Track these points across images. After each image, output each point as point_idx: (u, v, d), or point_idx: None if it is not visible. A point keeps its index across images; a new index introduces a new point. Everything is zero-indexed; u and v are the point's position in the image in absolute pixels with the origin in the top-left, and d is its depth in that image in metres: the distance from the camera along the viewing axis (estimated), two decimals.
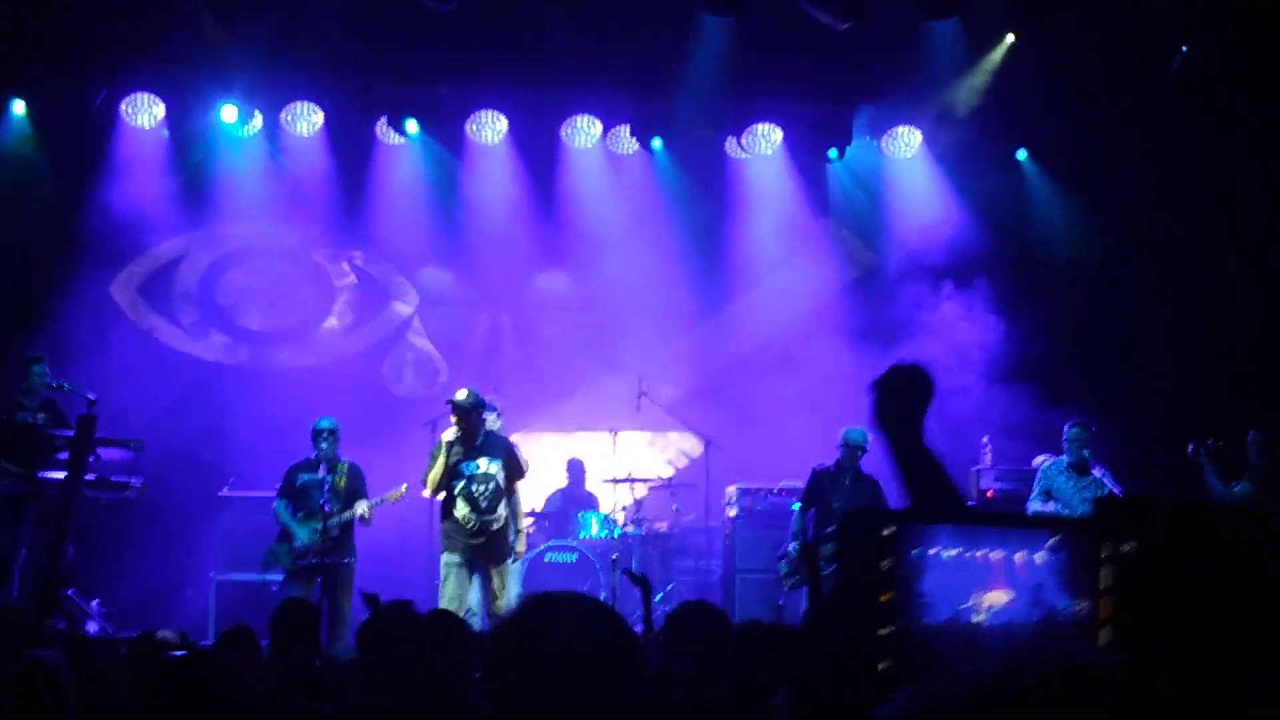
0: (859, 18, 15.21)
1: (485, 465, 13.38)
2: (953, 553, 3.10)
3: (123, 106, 16.91)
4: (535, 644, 2.99)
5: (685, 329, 18.44)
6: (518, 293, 18.44)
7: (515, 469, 13.61)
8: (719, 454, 16.63)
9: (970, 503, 15.72)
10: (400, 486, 14.08)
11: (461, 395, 13.42)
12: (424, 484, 13.42)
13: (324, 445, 13.96)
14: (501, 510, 13.39)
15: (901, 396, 3.49)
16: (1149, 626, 2.99)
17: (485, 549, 13.36)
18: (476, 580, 13.36)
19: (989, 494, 15.86)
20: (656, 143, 17.62)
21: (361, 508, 13.91)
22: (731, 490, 16.06)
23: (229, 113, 16.72)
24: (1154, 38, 15.49)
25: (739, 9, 15.32)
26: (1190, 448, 13.81)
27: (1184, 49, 15.33)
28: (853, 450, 14.00)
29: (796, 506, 14.42)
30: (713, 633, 6.62)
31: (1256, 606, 2.98)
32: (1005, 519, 3.21)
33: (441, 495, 13.44)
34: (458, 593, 13.19)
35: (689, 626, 6.72)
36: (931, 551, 3.09)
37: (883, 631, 3.04)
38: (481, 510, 13.33)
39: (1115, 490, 14.10)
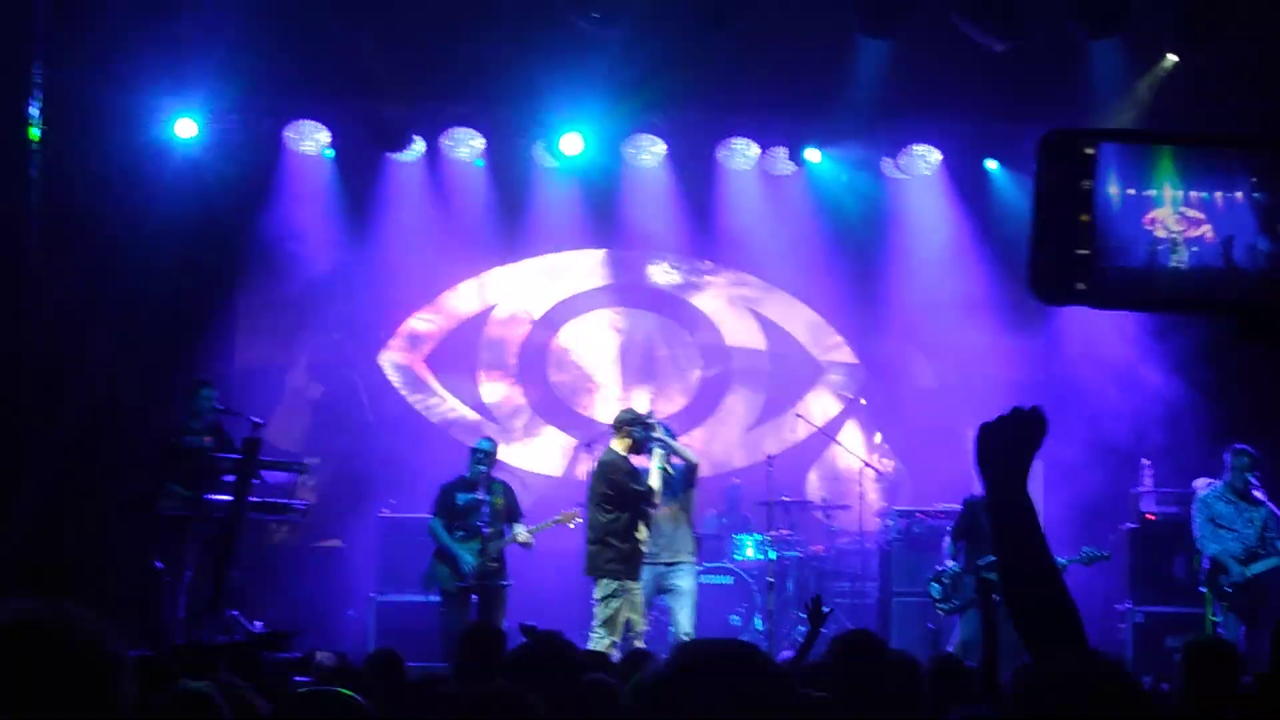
0: (1017, 37, 15.10)
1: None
2: (1149, 192, 3.04)
3: (287, 132, 17.28)
4: (686, 702, 3.06)
5: (839, 350, 18.42)
6: (674, 314, 18.58)
7: None
8: (874, 477, 16.64)
9: (1130, 525, 15.62)
10: (573, 509, 14.16)
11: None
12: (653, 495, 13.31)
13: (482, 466, 14.11)
14: None
15: (1009, 440, 3.48)
16: None
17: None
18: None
19: (1149, 516, 15.68)
20: (815, 155, 17.55)
21: (524, 533, 14.03)
22: (889, 512, 16.03)
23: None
24: None
25: (893, 32, 15.27)
26: None
27: None
28: None
29: (948, 539, 14.38)
30: (873, 665, 6.54)
31: None
32: (1198, 139, 3.03)
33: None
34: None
35: (851, 656, 6.63)
36: (1126, 191, 3.04)
37: (1082, 252, 2.99)
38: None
39: (1279, 516, 13.93)
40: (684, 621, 13.70)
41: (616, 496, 13.23)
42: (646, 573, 13.60)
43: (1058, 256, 3.00)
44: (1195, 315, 3.05)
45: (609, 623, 13.06)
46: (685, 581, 13.88)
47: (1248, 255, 2.99)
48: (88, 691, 2.74)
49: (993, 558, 13.28)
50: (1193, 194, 3.00)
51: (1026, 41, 15.28)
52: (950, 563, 14.17)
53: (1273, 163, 3.01)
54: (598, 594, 13.20)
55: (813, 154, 17.67)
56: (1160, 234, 2.98)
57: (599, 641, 12.78)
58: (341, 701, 4.96)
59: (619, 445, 13.48)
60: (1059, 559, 13.22)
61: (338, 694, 5.04)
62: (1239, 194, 3.00)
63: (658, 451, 13.54)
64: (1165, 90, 16.08)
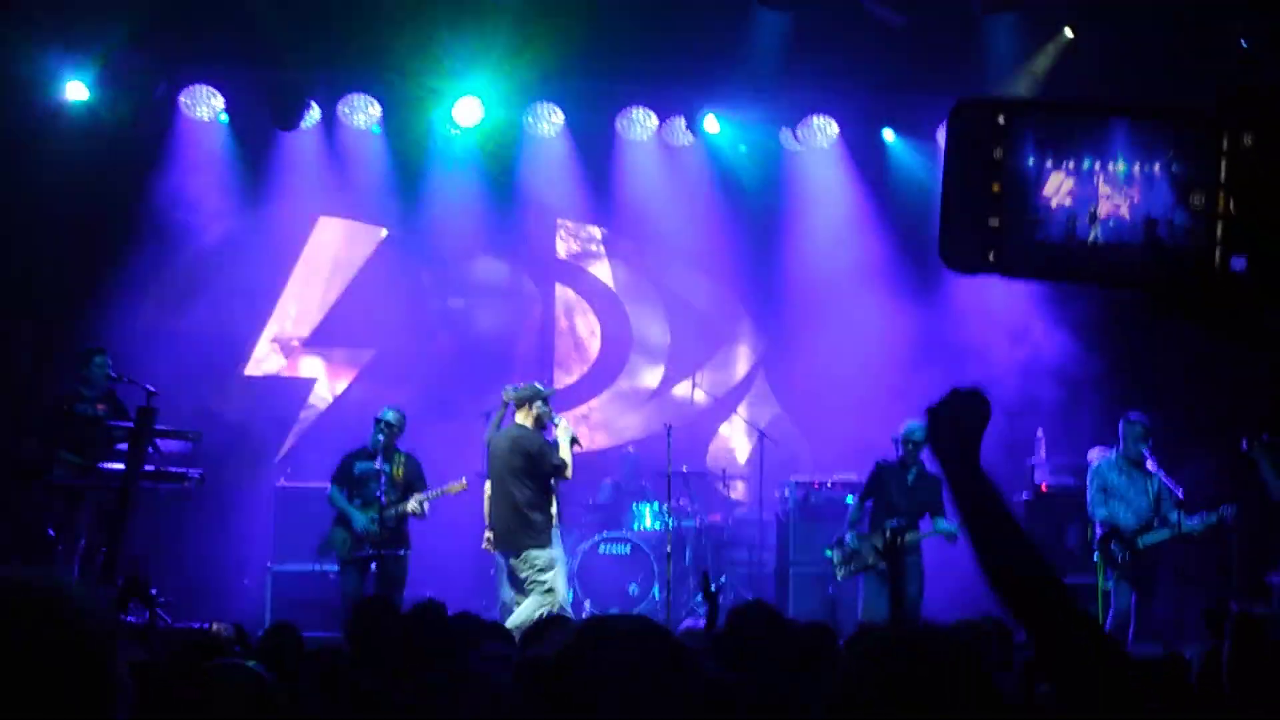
0: (916, 10, 15.23)
1: None
2: (1059, 163, 2.95)
3: (181, 98, 17.06)
4: (590, 677, 3.10)
5: (740, 321, 18.52)
6: (573, 284, 18.57)
7: None
8: (772, 446, 16.74)
9: (1024, 495, 15.83)
10: (461, 479, 14.19)
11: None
12: (567, 468, 13.44)
13: (381, 436, 14.08)
14: None
15: (958, 423, 3.47)
16: (1265, 222, 2.90)
17: None
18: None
19: (1043, 488, 15.88)
20: (713, 125, 17.62)
21: (414, 503, 14.03)
22: (787, 483, 16.14)
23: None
24: (1215, 32, 15.42)
25: (792, 3, 15.35)
26: (1245, 443, 13.78)
27: (1243, 44, 15.25)
28: (915, 445, 14.00)
29: (851, 499, 14.50)
30: (768, 635, 6.59)
31: None
32: (1110, 109, 2.99)
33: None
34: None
35: (747, 628, 6.67)
36: (1036, 162, 2.95)
37: (992, 222, 2.93)
38: None
39: (1171, 486, 14.08)
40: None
41: (535, 470, 13.31)
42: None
43: (968, 226, 2.96)
44: (1109, 289, 3.03)
45: (553, 590, 13.24)
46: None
47: (1165, 229, 2.98)
48: (87, 659, 2.72)
49: (899, 520, 13.46)
50: (1110, 166, 2.98)
51: (923, 15, 15.39)
52: (849, 533, 14.26)
53: (1190, 135, 3.01)
54: (534, 564, 13.28)
55: (711, 124, 17.71)
56: (1073, 206, 2.99)
57: (544, 608, 12.91)
58: (248, 675, 4.94)
59: (525, 419, 13.52)
60: (947, 525, 13.45)
61: (245, 668, 5.02)
62: (1156, 166, 3.01)
63: (563, 424, 13.63)
64: (1062, 64, 16.22)
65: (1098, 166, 2.93)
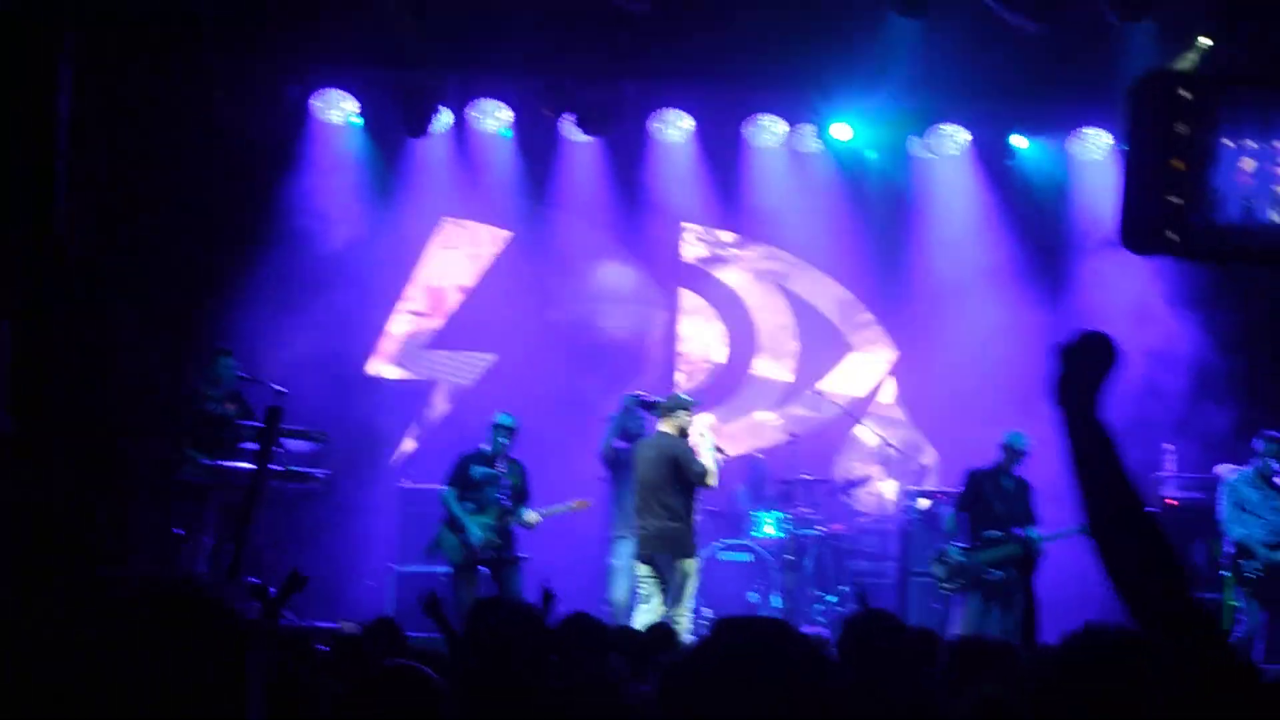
0: (1050, 18, 15.10)
1: None
2: (1247, 143, 2.94)
3: (314, 101, 17.38)
4: (721, 677, 3.09)
5: (867, 329, 18.45)
6: (699, 290, 18.61)
7: None
8: (898, 455, 16.71)
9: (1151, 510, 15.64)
10: (585, 499, 14.32)
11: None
12: (710, 476, 13.66)
13: (503, 440, 14.21)
14: None
15: (1082, 366, 3.31)
16: None
17: None
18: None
19: (1171, 502, 15.73)
20: (843, 131, 17.57)
21: (533, 515, 14.17)
22: (909, 492, 16.11)
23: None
24: None
25: (924, 11, 15.28)
26: None
27: None
28: (1014, 454, 14.08)
29: (951, 511, 14.54)
30: (887, 642, 6.55)
31: None
32: None
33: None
34: None
35: (865, 635, 6.66)
36: (1225, 141, 2.92)
37: (1174, 200, 2.90)
38: None
39: None
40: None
41: (682, 478, 13.50)
42: (628, 545, 14.06)
43: (1149, 204, 2.94)
44: None
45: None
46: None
47: None
48: (233, 657, 2.85)
49: (998, 532, 13.47)
50: None
51: (1059, 23, 15.26)
52: (954, 544, 14.25)
53: None
54: (688, 569, 13.56)
55: (841, 130, 17.64)
56: (1257, 185, 2.91)
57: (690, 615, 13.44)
58: (420, 679, 5.03)
59: (670, 428, 13.73)
60: (1064, 527, 13.41)
61: (417, 670, 5.09)
62: None
63: (707, 434, 13.80)
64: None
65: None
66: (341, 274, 17.24)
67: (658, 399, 14.46)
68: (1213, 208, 2.91)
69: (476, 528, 14.04)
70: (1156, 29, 15.69)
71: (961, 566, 14.16)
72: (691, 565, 13.57)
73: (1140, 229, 2.93)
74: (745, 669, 3.08)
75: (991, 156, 18.08)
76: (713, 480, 13.64)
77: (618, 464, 14.50)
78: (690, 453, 13.60)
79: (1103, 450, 3.31)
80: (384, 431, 17.32)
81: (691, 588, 13.57)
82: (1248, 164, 2.91)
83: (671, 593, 13.39)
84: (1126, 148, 2.97)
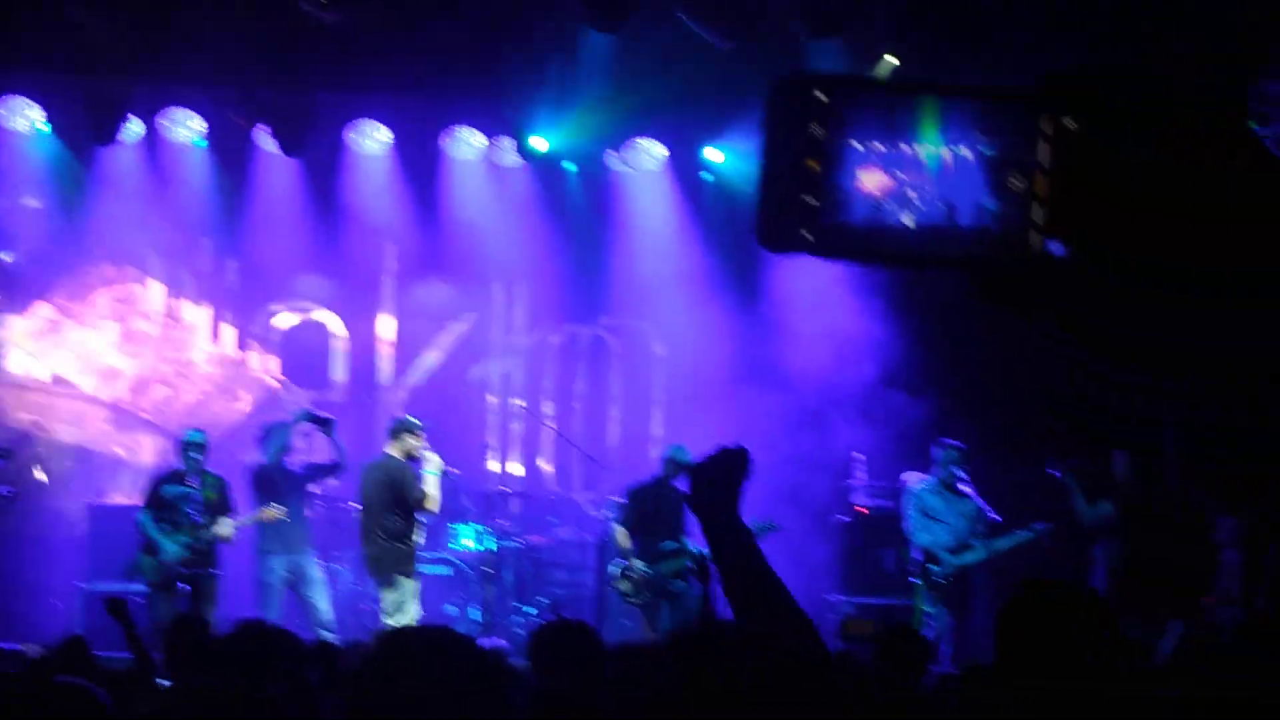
0: (742, 35, 15.41)
1: None
2: (876, 145, 3.03)
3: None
4: (394, 685, 3.13)
5: (568, 339, 18.60)
6: (397, 302, 18.55)
7: None
8: (595, 467, 16.84)
9: (842, 517, 16.09)
10: (270, 507, 14.15)
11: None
12: (428, 500, 13.84)
13: (194, 456, 14.03)
14: None
15: (720, 480, 3.53)
16: (1086, 207, 3.00)
17: None
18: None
19: (861, 510, 16.15)
20: (541, 145, 17.70)
21: (226, 527, 13.99)
22: (608, 504, 16.23)
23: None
24: (1040, 59, 15.70)
25: (619, 26, 15.48)
26: (1055, 469, 14.19)
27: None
28: (676, 467, 14.36)
29: (618, 528, 14.72)
30: (579, 651, 6.62)
31: (1187, 191, 3.04)
32: (929, 89, 2.94)
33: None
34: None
35: (554, 645, 6.71)
36: (854, 144, 3.03)
37: (809, 200, 2.97)
38: None
39: (986, 509, 14.47)
40: (326, 610, 14.32)
41: (403, 501, 13.66)
42: (281, 561, 14.14)
43: (785, 204, 3.02)
44: (924, 270, 3.08)
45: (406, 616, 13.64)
46: (317, 570, 14.51)
47: (981, 212, 3.03)
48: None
49: (673, 543, 13.69)
50: (928, 145, 3.04)
51: (748, 39, 15.56)
52: (635, 560, 14.46)
53: (1000, 121, 3.05)
54: (393, 595, 13.69)
55: (538, 142, 17.75)
56: (891, 185, 3.00)
57: None
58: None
59: (396, 451, 13.91)
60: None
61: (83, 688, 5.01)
62: (974, 147, 3.03)
63: (431, 457, 13.95)
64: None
65: (916, 146, 2.99)
66: (27, 284, 16.84)
67: (328, 415, 14.59)
68: (843, 208, 2.99)
69: (171, 545, 13.83)
70: (844, 45, 16.09)
71: (646, 580, 14.39)
72: (405, 585, 13.70)
73: (777, 228, 3.02)
74: (407, 677, 3.12)
75: (687, 169, 18.35)
76: (433, 505, 13.87)
77: (274, 482, 14.39)
78: (412, 476, 13.78)
79: (746, 550, 3.50)
80: (69, 446, 16.88)
81: (412, 609, 13.65)
82: (884, 163, 3.02)
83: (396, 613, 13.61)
84: (764, 147, 3.06)
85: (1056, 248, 3.00)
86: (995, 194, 3.00)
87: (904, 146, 3.02)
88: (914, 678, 7.55)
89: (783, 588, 3.54)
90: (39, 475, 15.79)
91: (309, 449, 15.22)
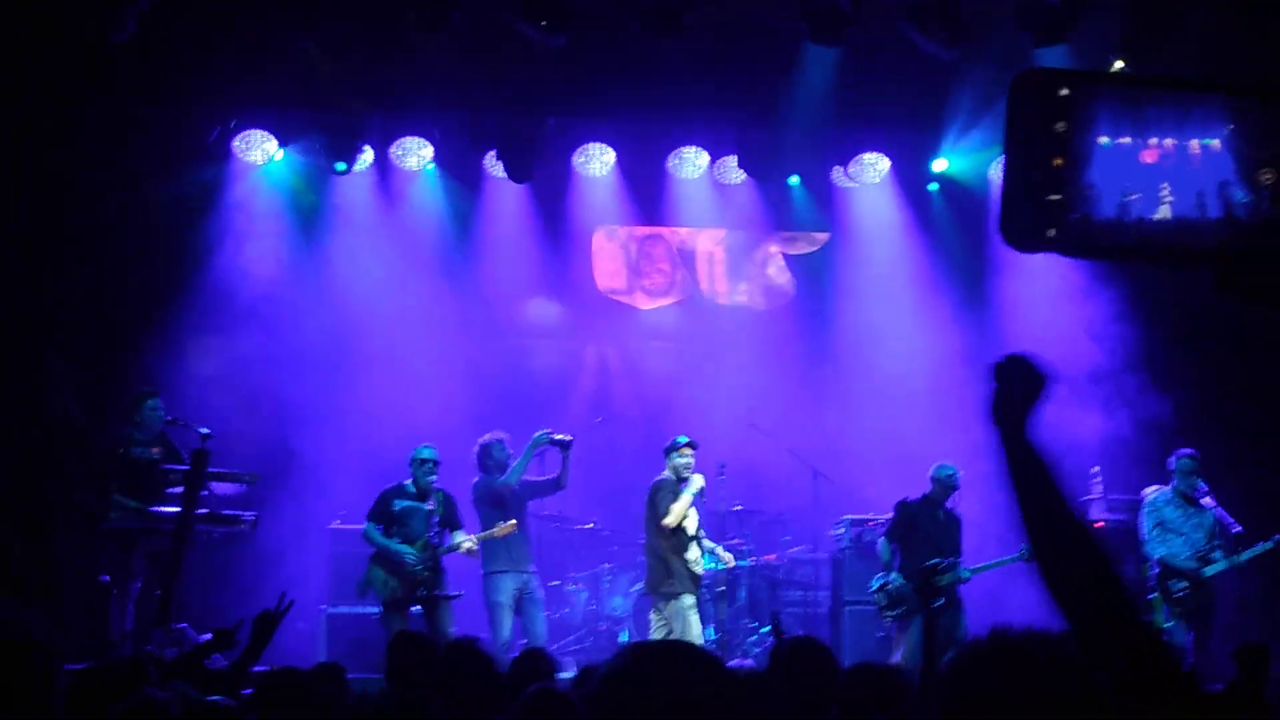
0: (965, 45, 15.34)
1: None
2: (1124, 140, 2.99)
3: (235, 142, 17.35)
4: (639, 698, 3.13)
5: (792, 360, 18.59)
6: (625, 325, 18.75)
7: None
8: (827, 485, 16.80)
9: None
10: (510, 522, 14.35)
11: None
12: (668, 517, 14.09)
13: (426, 473, 14.27)
14: None
15: (1013, 386, 3.45)
16: None
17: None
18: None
19: (1098, 524, 15.92)
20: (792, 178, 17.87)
21: (468, 541, 14.20)
22: (841, 521, 16.21)
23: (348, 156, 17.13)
24: (1265, 62, 15.44)
25: (840, 39, 15.49)
26: None
27: None
28: (944, 486, 14.30)
29: (883, 540, 14.67)
30: (817, 670, 6.63)
31: None
32: (1176, 83, 2.92)
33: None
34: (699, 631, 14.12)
35: (794, 662, 6.72)
36: (1101, 139, 2.98)
37: (1054, 197, 2.94)
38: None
39: (1227, 520, 14.19)
40: (543, 631, 14.60)
41: (658, 519, 14.14)
42: (511, 580, 14.43)
43: (1029, 202, 2.99)
44: (1169, 266, 3.03)
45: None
46: (539, 590, 14.81)
47: (1225, 205, 2.99)
48: (21, 680, 2.88)
49: (934, 560, 13.67)
50: (1177, 141, 3.00)
51: (974, 49, 15.49)
52: (893, 573, 14.43)
53: (1250, 111, 2.99)
54: (657, 616, 14.10)
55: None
56: (1137, 181, 2.99)
57: None
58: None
59: (668, 470, 14.36)
60: (1002, 557, 13.65)
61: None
62: (1216, 142, 3.01)
63: (694, 478, 14.30)
64: None
65: (1164, 141, 2.98)
66: (269, 315, 17.27)
67: (567, 437, 14.79)
68: (1090, 204, 3.00)
69: (412, 552, 14.06)
70: (1071, 52, 15.93)
71: (903, 594, 14.33)
72: (674, 607, 13.95)
73: (1022, 226, 3.01)
74: (653, 693, 3.12)
75: (914, 183, 18.37)
76: (670, 520, 14.05)
77: (504, 500, 14.66)
78: (666, 494, 14.13)
79: (1037, 469, 3.40)
80: (312, 473, 17.25)
81: (677, 627, 13.85)
82: (1131, 158, 3.00)
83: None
84: (1007, 145, 3.06)
85: None
86: (1245, 185, 2.97)
87: (1151, 140, 3.00)
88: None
89: (1075, 512, 3.41)
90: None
91: (539, 468, 15.39)
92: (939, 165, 18.20)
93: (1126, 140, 2.99)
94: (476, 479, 14.84)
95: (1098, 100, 3.01)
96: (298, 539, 16.51)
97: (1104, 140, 2.99)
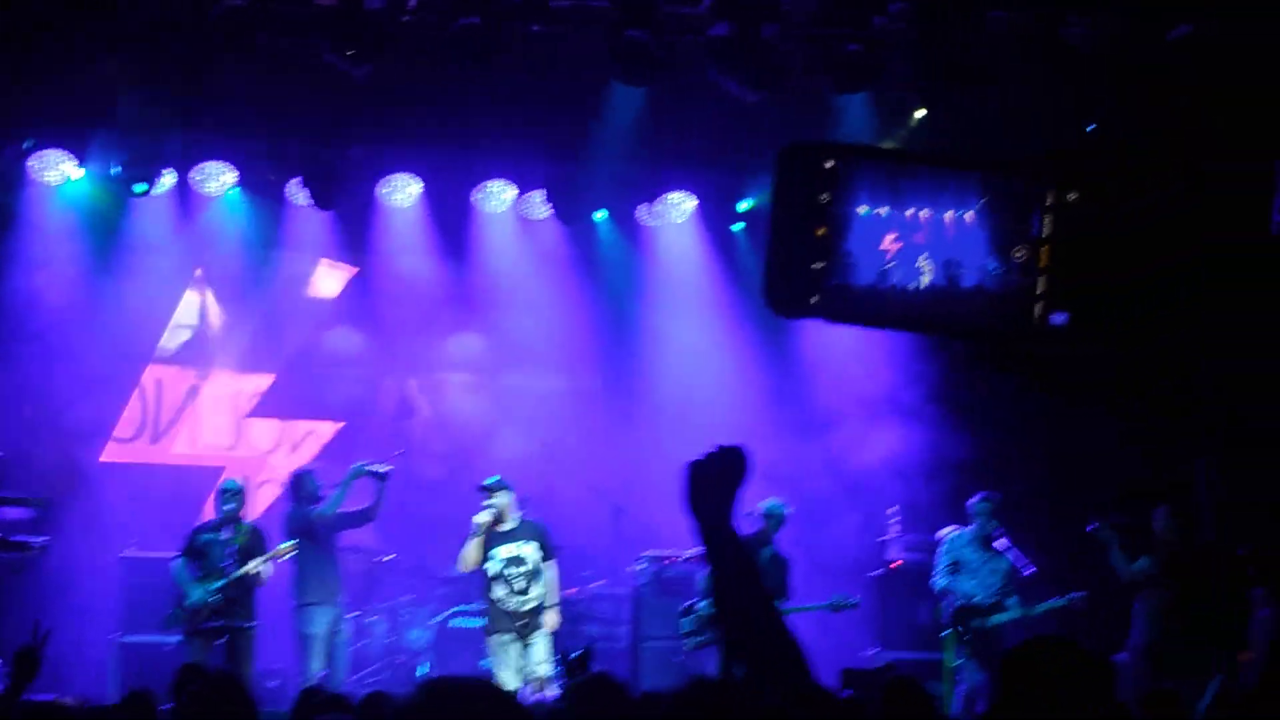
0: (770, 88, 15.50)
1: (518, 549, 14.41)
2: (881, 211, 3.07)
3: (30, 162, 16.98)
4: None
5: (594, 393, 18.66)
6: (428, 356, 18.67)
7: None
8: (628, 520, 16.88)
9: (877, 572, 16.16)
10: (290, 542, 14.30)
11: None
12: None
13: (230, 505, 14.20)
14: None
15: (717, 481, 3.61)
16: (1087, 277, 3.04)
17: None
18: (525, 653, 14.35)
19: (895, 564, 16.19)
20: (544, 210, 17.92)
21: (254, 565, 14.11)
22: (642, 557, 16.27)
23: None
24: (1064, 111, 15.82)
25: (649, 79, 15.59)
26: (1093, 524, 14.20)
27: (1091, 127, 15.68)
28: (776, 521, 14.37)
29: (704, 574, 14.71)
30: (611, 706, 6.69)
31: (1183, 260, 3.08)
32: (934, 159, 3.03)
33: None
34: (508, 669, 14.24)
35: (587, 701, 6.79)
36: (860, 209, 3.07)
37: (816, 266, 3.03)
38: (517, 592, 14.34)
39: (1020, 565, 14.47)
40: (343, 664, 14.94)
41: None
42: (325, 613, 14.60)
43: (792, 269, 3.09)
44: (930, 336, 3.13)
45: None
46: (346, 625, 15.10)
47: (986, 281, 3.10)
48: None
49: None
50: (934, 215, 3.11)
51: (777, 92, 15.66)
52: (705, 603, 14.50)
53: (1004, 185, 3.11)
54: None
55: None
56: (897, 253, 3.08)
57: None
58: None
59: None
60: (809, 603, 13.81)
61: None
62: (970, 214, 3.11)
63: (479, 515, 14.44)
64: (913, 139, 16.56)
65: (922, 215, 3.07)
66: (60, 338, 16.97)
67: (386, 467, 14.78)
68: (856, 273, 3.08)
69: (198, 590, 13.96)
70: (873, 100, 16.20)
71: (708, 621, 14.40)
72: (489, 643, 14.44)
73: (783, 292, 3.09)
74: None
75: (718, 223, 18.54)
76: (460, 566, 14.54)
77: (314, 531, 14.61)
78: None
79: (735, 556, 3.60)
80: (104, 499, 16.97)
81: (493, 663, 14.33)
82: (891, 230, 3.09)
83: None
84: (772, 215, 3.14)
85: (1059, 317, 3.08)
86: (999, 258, 3.08)
87: (909, 211, 3.10)
88: None
89: (771, 603, 3.59)
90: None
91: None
92: (744, 206, 18.41)
93: (885, 210, 3.08)
94: (288, 509, 14.74)
95: (860, 172, 3.11)
96: (88, 566, 16.22)
97: (863, 210, 3.08)
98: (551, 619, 14.42)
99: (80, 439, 17.08)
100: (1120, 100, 15.46)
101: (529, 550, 14.38)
